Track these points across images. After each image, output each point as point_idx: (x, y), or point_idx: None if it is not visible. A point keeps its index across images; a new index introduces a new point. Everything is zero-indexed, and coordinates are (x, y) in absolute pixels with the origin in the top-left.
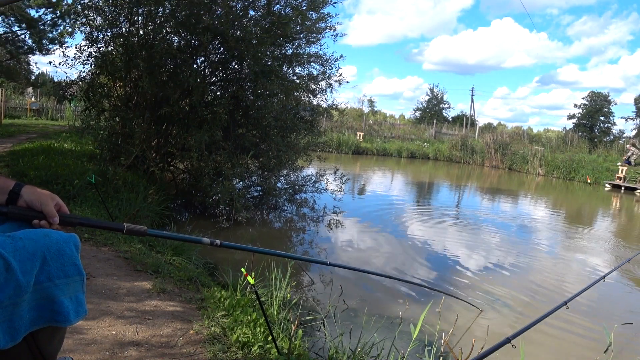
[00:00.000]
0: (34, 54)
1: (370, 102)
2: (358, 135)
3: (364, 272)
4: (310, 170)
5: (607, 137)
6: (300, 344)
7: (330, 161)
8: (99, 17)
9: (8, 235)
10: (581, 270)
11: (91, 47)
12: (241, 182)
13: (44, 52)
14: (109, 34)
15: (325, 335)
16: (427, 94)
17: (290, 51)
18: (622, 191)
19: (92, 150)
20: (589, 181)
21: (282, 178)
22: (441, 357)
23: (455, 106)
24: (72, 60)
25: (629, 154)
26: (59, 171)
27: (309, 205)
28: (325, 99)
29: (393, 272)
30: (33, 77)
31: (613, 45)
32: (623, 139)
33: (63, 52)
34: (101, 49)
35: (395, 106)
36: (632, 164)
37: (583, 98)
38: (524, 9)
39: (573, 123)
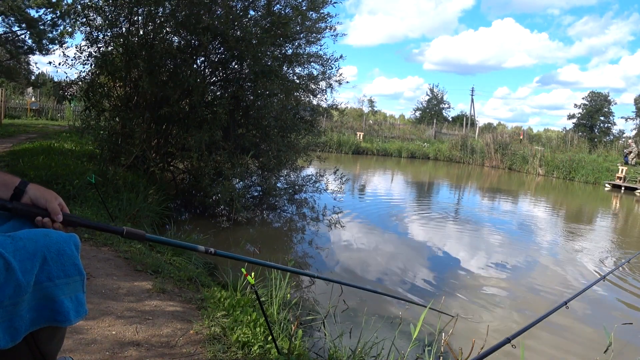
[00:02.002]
0: (34, 54)
1: (370, 102)
2: (358, 135)
3: (350, 286)
4: (310, 170)
5: (607, 137)
6: (300, 344)
7: (330, 161)
8: (99, 17)
9: (8, 235)
10: (581, 270)
11: (91, 47)
12: (241, 182)
13: (44, 52)
14: (109, 34)
15: (325, 335)
16: (427, 94)
17: (290, 51)
18: (622, 191)
19: (92, 150)
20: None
21: (282, 178)
22: (441, 357)
23: (456, 106)
24: (72, 60)
25: (628, 152)
26: (59, 171)
27: (309, 206)
28: (325, 99)
29: (392, 273)
30: (33, 77)
31: (614, 45)
32: (623, 139)
33: (63, 52)
34: (101, 49)
35: (395, 106)
36: (630, 162)
37: (583, 98)
38: (530, 9)
39: (573, 123)
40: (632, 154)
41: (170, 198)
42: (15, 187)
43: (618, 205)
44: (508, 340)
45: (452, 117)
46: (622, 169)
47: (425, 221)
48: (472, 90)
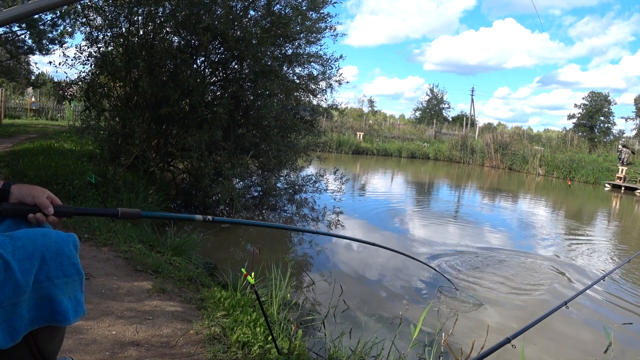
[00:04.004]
0: (34, 54)
1: (370, 102)
2: (358, 135)
3: (355, 241)
4: (310, 170)
5: (607, 137)
6: (300, 344)
7: (330, 161)
8: (99, 17)
9: (7, 235)
10: (581, 270)
11: (91, 47)
12: (241, 182)
13: (44, 52)
14: (109, 34)
15: (325, 335)
16: (427, 94)
17: (290, 51)
18: (622, 191)
19: (92, 150)
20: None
21: (282, 178)
22: (441, 357)
23: (456, 106)
24: (72, 60)
25: (623, 155)
26: (59, 171)
27: (309, 206)
28: (325, 99)
29: (392, 272)
30: (33, 77)
31: (615, 45)
32: (623, 139)
33: (63, 52)
34: (101, 49)
35: (395, 106)
36: (625, 163)
37: (583, 98)
38: (531, 9)
39: (573, 123)
40: (625, 155)
41: (170, 198)
42: (0, 189)
43: (618, 205)
44: (508, 340)
45: (452, 117)
46: (622, 169)
47: (425, 221)
48: (472, 90)
